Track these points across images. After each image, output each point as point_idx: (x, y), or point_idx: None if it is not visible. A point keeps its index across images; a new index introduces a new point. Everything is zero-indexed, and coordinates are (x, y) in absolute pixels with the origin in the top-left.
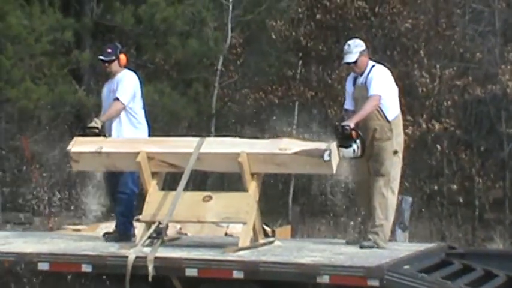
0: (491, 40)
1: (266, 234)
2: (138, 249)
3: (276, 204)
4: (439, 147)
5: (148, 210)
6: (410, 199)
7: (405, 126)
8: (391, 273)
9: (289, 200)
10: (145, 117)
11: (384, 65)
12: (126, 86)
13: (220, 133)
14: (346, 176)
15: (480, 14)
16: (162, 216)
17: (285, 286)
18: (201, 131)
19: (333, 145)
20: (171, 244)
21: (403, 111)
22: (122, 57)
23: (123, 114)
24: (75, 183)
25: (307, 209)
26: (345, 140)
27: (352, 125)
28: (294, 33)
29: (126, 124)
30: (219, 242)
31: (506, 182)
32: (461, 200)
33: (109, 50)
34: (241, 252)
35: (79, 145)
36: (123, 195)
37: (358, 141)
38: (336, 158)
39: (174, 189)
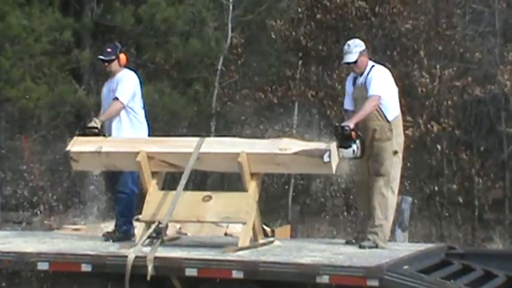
0: (491, 40)
1: (266, 234)
2: (138, 248)
3: (276, 204)
4: (439, 147)
5: (148, 209)
6: (410, 199)
7: (405, 127)
8: (391, 273)
9: (288, 200)
10: (145, 116)
11: (384, 65)
12: (126, 85)
13: (220, 133)
14: (346, 176)
15: (480, 15)
16: (162, 216)
17: (285, 286)
18: (200, 130)
19: (333, 145)
20: (170, 244)
21: (403, 112)
22: (122, 56)
23: (123, 113)
24: (75, 182)
25: (307, 209)
26: (344, 141)
27: (351, 126)
28: (294, 33)
29: (125, 124)
30: (218, 241)
31: (506, 182)
32: (461, 200)
33: (109, 50)
34: (240, 252)
35: (79, 145)
36: (123, 194)
37: (357, 141)
38: (336, 159)
39: (174, 189)
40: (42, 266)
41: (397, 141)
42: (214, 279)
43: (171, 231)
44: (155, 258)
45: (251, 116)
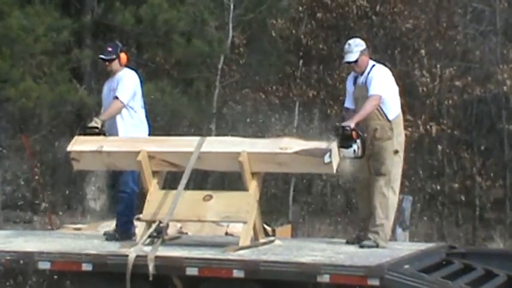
0: (492, 39)
1: (266, 234)
2: (139, 248)
3: (277, 203)
4: (439, 147)
5: (148, 209)
6: (410, 198)
7: (405, 127)
8: (392, 273)
9: (289, 199)
10: (146, 116)
11: (385, 65)
12: (126, 84)
13: (221, 132)
14: (346, 176)
15: (481, 14)
16: (163, 215)
17: (286, 285)
18: (201, 130)
19: (334, 145)
20: (171, 243)
21: (403, 111)
22: (123, 56)
23: (123, 113)
24: (76, 182)
25: (308, 208)
26: (345, 141)
27: (352, 126)
28: (294, 32)
29: (126, 123)
30: (219, 241)
31: (506, 181)
32: (462, 199)
33: (110, 49)
34: (241, 252)
35: (80, 144)
36: (124, 194)
37: (358, 141)
38: (337, 158)
39: (175, 188)
40: (43, 265)
41: (398, 140)
42: (215, 278)
43: (171, 231)
44: (156, 257)
45: (252, 115)
